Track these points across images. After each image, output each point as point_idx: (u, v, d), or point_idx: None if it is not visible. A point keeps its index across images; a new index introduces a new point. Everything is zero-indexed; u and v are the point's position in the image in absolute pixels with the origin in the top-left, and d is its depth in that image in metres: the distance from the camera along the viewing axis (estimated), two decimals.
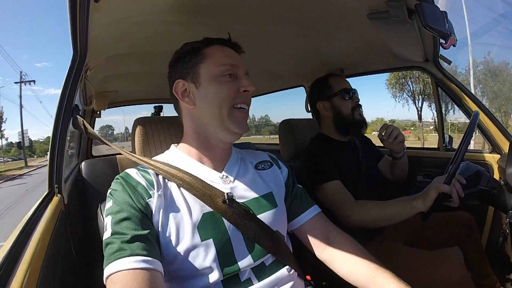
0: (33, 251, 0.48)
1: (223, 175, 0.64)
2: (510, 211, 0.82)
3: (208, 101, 0.62)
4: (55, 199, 0.74)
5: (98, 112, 1.71)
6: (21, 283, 0.40)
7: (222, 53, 0.64)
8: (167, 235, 0.54)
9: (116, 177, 0.60)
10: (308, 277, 0.74)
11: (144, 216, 0.54)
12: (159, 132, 0.79)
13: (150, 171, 0.61)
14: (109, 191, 0.58)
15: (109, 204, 0.55)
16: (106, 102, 1.65)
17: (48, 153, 0.79)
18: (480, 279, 1.05)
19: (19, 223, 0.59)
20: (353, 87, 1.19)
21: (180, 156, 0.66)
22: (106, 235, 0.51)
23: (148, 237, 0.51)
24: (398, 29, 0.87)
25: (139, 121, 0.80)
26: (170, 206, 0.57)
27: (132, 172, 0.60)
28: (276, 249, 0.62)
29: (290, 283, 0.61)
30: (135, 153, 0.79)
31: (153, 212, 0.55)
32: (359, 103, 1.17)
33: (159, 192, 0.57)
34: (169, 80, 0.68)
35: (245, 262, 0.58)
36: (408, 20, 0.78)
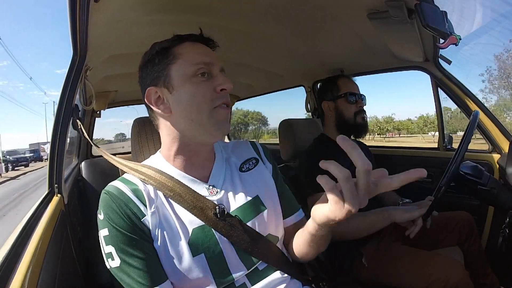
0: (33, 251, 0.48)
1: (209, 186, 0.61)
2: (510, 211, 0.82)
3: (184, 105, 0.56)
4: (55, 199, 0.73)
5: (98, 112, 1.71)
6: (21, 283, 0.40)
7: (193, 51, 0.58)
8: (161, 251, 0.55)
9: (103, 192, 0.56)
10: (308, 278, 0.74)
11: (144, 237, 0.54)
12: (158, 132, 0.79)
13: (136, 181, 0.59)
14: (101, 215, 0.54)
15: (105, 232, 0.53)
16: (106, 102, 1.64)
17: (48, 153, 0.79)
18: (480, 279, 1.06)
19: (19, 223, 0.59)
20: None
21: (165, 165, 0.62)
22: (114, 264, 0.52)
23: (154, 261, 0.54)
24: (398, 29, 0.87)
25: (138, 121, 0.80)
26: (163, 223, 0.55)
27: (120, 185, 0.57)
28: (268, 256, 0.62)
29: (283, 285, 0.62)
30: (134, 152, 0.79)
31: (150, 229, 0.54)
32: (363, 108, 1.18)
33: (152, 209, 0.55)
34: (140, 85, 0.63)
35: (239, 271, 0.59)
36: (408, 20, 0.78)
